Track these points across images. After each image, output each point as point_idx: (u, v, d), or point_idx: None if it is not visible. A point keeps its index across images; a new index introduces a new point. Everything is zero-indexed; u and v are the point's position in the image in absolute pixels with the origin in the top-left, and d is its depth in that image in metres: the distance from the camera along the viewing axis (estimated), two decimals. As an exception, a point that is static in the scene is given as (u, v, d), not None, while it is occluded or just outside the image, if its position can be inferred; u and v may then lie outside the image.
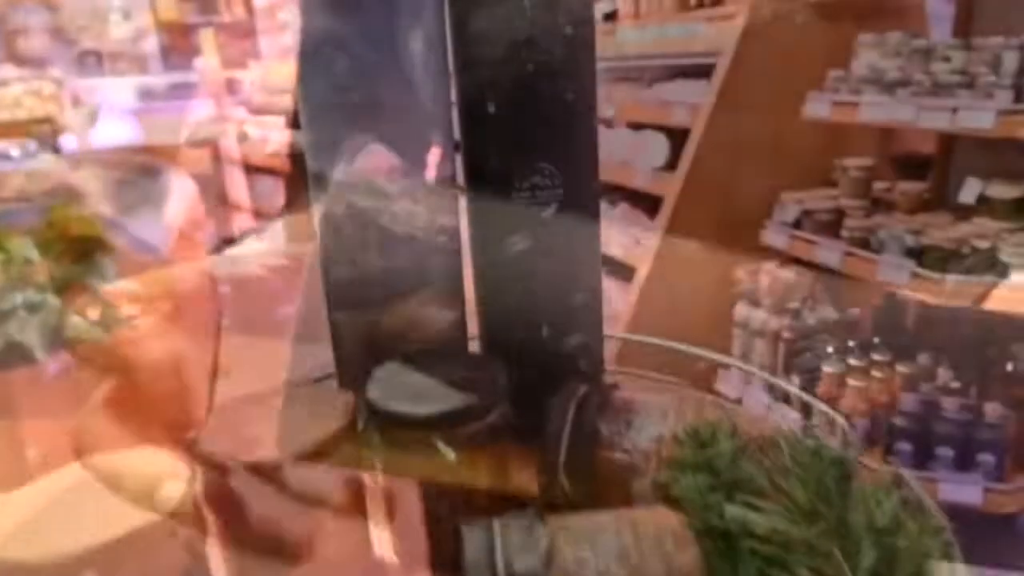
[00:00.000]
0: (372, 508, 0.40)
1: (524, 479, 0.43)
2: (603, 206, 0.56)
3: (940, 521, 0.36)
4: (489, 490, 0.40)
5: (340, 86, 0.46)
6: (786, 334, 1.88)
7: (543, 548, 0.35)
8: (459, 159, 0.53)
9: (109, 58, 6.56)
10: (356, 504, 0.40)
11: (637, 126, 2.44)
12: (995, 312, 1.51)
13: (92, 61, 6.48)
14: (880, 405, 1.65)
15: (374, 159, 0.47)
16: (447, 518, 0.40)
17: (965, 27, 1.82)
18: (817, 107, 1.84)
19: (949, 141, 1.87)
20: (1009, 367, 1.62)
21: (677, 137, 2.18)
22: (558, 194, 0.51)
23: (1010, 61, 1.51)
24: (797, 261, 1.93)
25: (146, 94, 6.05)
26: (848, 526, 0.32)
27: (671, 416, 0.43)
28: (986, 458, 1.53)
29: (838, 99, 1.80)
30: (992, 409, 1.53)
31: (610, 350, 0.59)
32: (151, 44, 6.63)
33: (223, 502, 0.37)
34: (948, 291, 1.53)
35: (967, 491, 1.53)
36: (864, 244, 1.72)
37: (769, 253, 2.00)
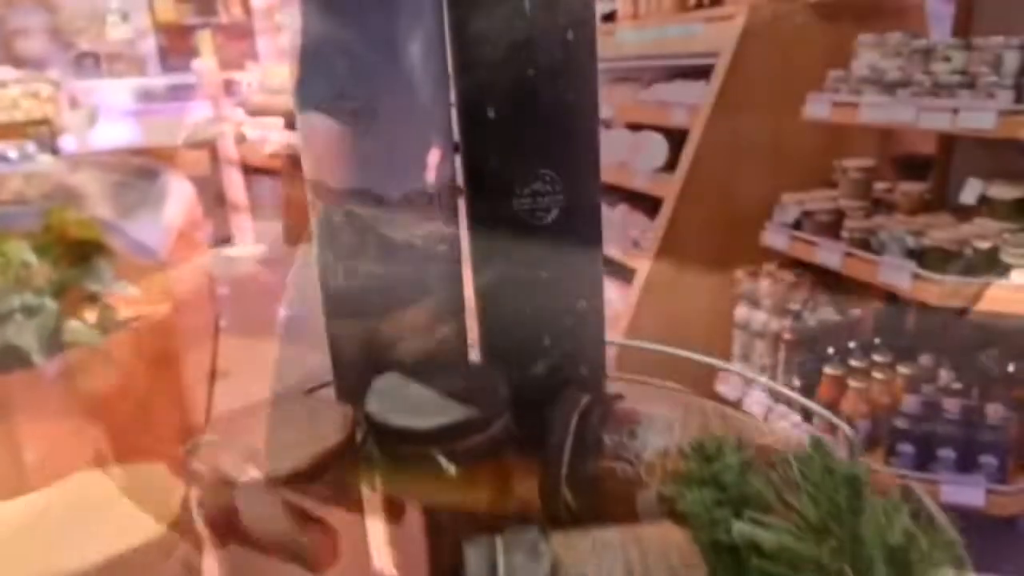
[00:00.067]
0: (371, 524, 0.39)
1: (526, 492, 0.43)
2: (602, 207, 0.55)
3: (952, 535, 0.35)
4: (491, 505, 0.39)
5: (338, 89, 0.45)
6: (787, 335, 1.87)
7: (547, 565, 0.34)
8: (459, 162, 0.52)
9: (107, 59, 6.55)
10: (355, 520, 0.39)
11: (636, 127, 2.44)
12: (997, 313, 1.50)
13: (90, 63, 6.47)
14: (881, 407, 1.65)
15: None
16: (448, 534, 0.39)
17: (965, 27, 1.82)
18: (817, 108, 1.83)
19: (949, 141, 1.87)
20: (1011, 368, 1.61)
21: (676, 138, 2.18)
22: (559, 200, 0.50)
23: (1011, 61, 1.51)
24: (797, 262, 1.93)
25: (144, 96, 6.04)
26: (860, 543, 0.31)
27: (676, 427, 0.43)
28: (988, 460, 1.53)
29: (838, 100, 1.79)
30: (994, 410, 1.53)
31: (609, 353, 0.58)
32: (149, 45, 6.63)
33: (220, 519, 0.36)
34: (949, 292, 1.52)
35: (969, 493, 1.52)
36: (864, 245, 1.72)
37: (769, 254, 2.00)
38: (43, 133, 4.34)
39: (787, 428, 1.64)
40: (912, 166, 2.01)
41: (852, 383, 1.66)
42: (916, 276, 1.57)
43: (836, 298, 1.95)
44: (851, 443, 0.48)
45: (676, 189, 2.06)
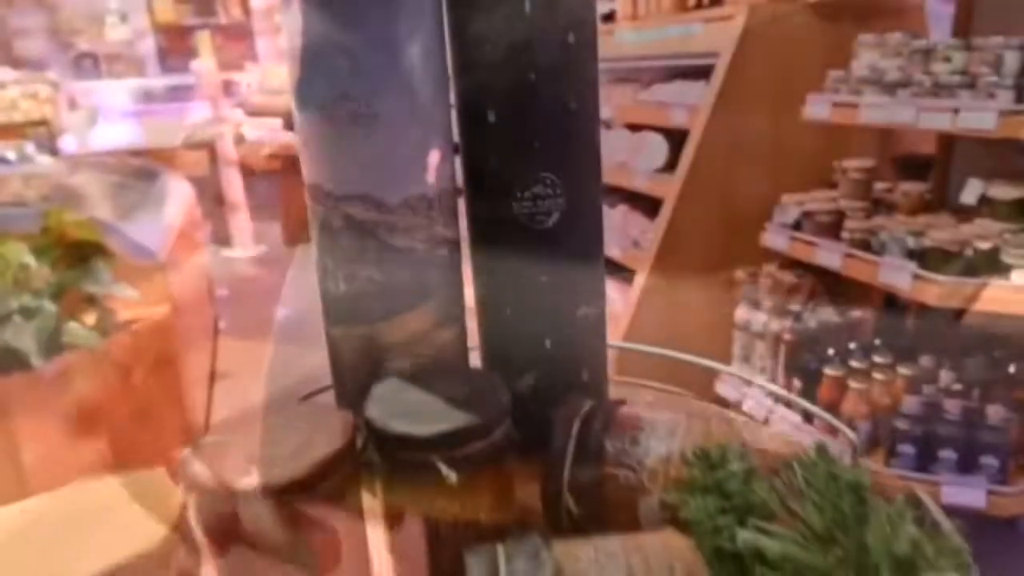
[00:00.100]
0: (372, 531, 0.39)
1: (528, 499, 0.42)
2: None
3: (958, 542, 0.35)
4: (492, 512, 0.39)
5: (339, 91, 0.45)
6: (787, 336, 1.87)
7: (549, 574, 0.34)
8: (459, 165, 0.52)
9: (106, 60, 6.55)
10: (355, 528, 0.39)
11: (636, 127, 2.43)
12: (997, 313, 1.50)
13: (89, 63, 6.47)
14: (882, 408, 1.64)
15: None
16: (449, 542, 0.39)
17: (965, 27, 1.82)
18: (817, 108, 1.83)
19: (950, 142, 1.86)
20: (1011, 369, 1.61)
21: (676, 138, 2.17)
22: (560, 204, 0.49)
23: (1012, 61, 1.50)
24: (797, 263, 1.93)
25: (143, 96, 6.04)
26: (865, 552, 0.30)
27: (678, 433, 0.42)
28: (989, 461, 1.53)
29: (838, 100, 1.79)
30: (995, 411, 1.52)
31: (610, 355, 0.58)
32: (148, 46, 6.62)
33: (219, 527, 0.36)
34: (950, 293, 1.52)
35: (970, 494, 1.52)
36: (865, 246, 1.71)
37: (769, 255, 1.99)
38: (42, 134, 4.33)
39: (791, 433, 1.63)
40: (912, 166, 2.00)
41: (852, 384, 1.65)
42: (916, 277, 1.56)
43: (836, 299, 1.94)
44: (853, 447, 0.48)
45: (676, 190, 2.05)
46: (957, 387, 1.61)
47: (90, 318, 1.50)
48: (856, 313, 1.88)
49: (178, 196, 2.67)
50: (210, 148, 4.24)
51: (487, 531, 0.39)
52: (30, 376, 1.37)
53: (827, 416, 0.65)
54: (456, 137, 0.51)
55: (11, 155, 3.18)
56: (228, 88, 4.96)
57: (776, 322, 1.91)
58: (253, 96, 4.94)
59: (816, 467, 0.33)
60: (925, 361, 1.68)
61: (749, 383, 1.95)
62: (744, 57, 1.96)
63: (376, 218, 0.46)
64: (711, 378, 2.00)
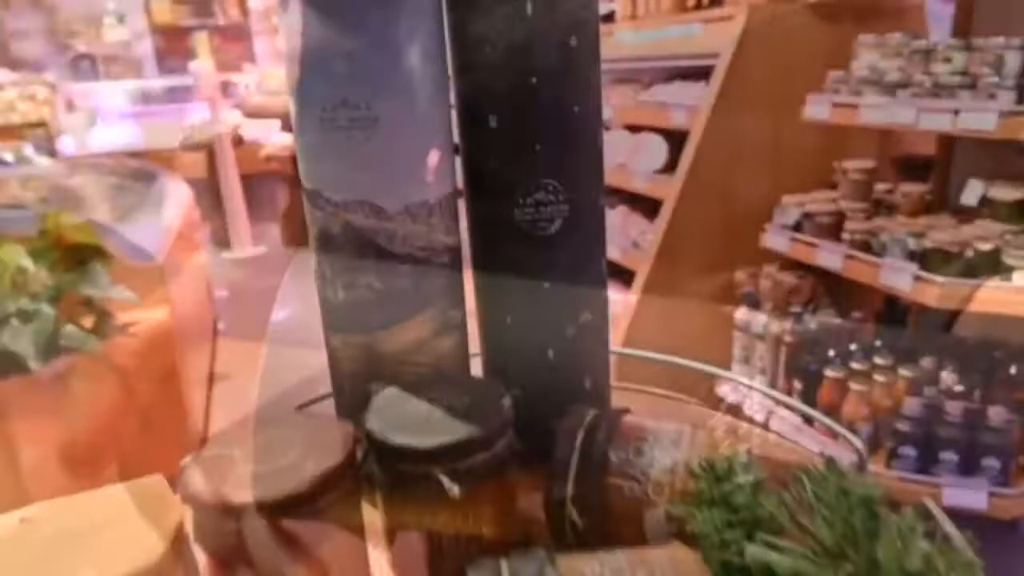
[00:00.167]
0: (372, 546, 0.38)
1: (531, 511, 0.42)
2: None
3: (970, 556, 0.34)
4: (495, 526, 0.38)
5: (339, 96, 0.44)
6: (787, 338, 1.86)
7: (553, 590, 0.33)
8: (460, 170, 0.51)
9: (104, 61, 6.54)
10: (356, 544, 0.38)
11: (635, 128, 2.43)
12: (998, 315, 1.50)
13: (86, 65, 6.46)
14: (883, 409, 1.64)
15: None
16: (451, 557, 0.38)
17: (964, 27, 1.81)
18: (817, 109, 1.83)
19: (950, 142, 1.86)
20: (1013, 370, 1.61)
21: (675, 139, 2.17)
22: (562, 210, 0.49)
23: (1013, 61, 1.50)
24: (798, 264, 1.92)
25: (141, 98, 6.03)
26: (877, 569, 0.30)
27: (683, 443, 0.42)
28: (990, 463, 1.52)
29: (838, 100, 1.78)
30: (996, 413, 1.52)
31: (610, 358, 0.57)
32: (146, 47, 6.61)
33: (217, 545, 0.35)
34: (950, 294, 1.51)
35: (972, 496, 1.51)
36: (865, 247, 1.71)
37: (769, 256, 1.99)
38: (40, 136, 4.33)
39: (792, 435, 1.63)
40: (913, 167, 2.00)
41: (853, 386, 1.65)
42: (917, 278, 1.56)
43: (837, 300, 1.94)
44: (861, 456, 0.47)
45: (676, 190, 2.05)
46: (958, 389, 1.60)
47: (88, 321, 1.49)
48: (857, 315, 1.87)
49: (176, 197, 2.66)
50: (208, 149, 4.24)
51: (490, 545, 0.38)
52: (28, 380, 1.36)
53: (828, 421, 0.64)
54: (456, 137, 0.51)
55: (9, 157, 3.17)
56: (226, 89, 4.96)
57: (776, 323, 1.91)
58: (251, 97, 4.93)
59: (826, 480, 0.32)
60: (926, 363, 1.67)
61: (751, 378, 1.94)
62: (744, 58, 1.95)
63: (376, 225, 0.45)
64: (712, 379, 1.99)
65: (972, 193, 1.71)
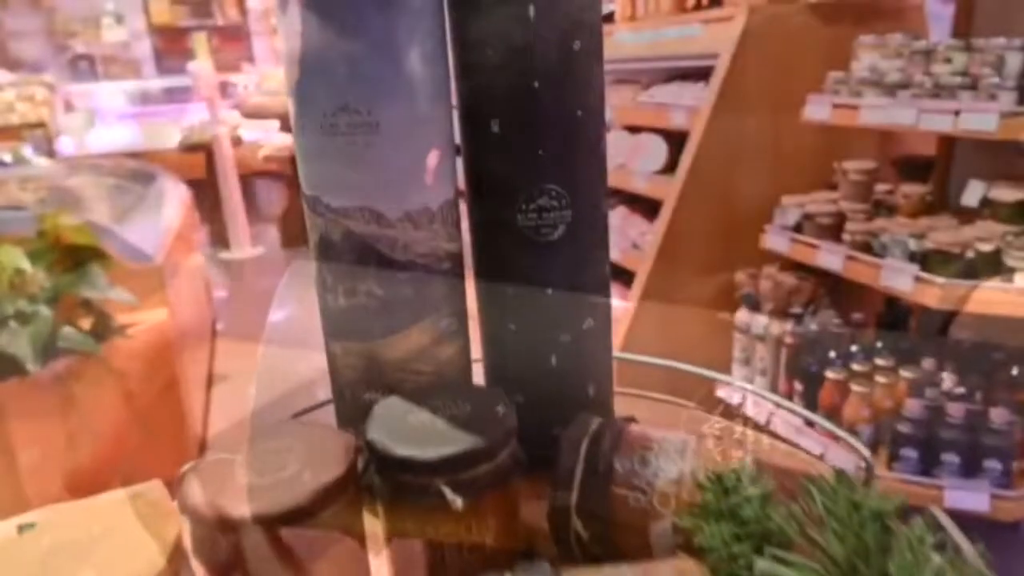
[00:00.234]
0: (374, 559, 0.38)
1: (535, 521, 0.41)
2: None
3: (982, 569, 0.34)
4: (499, 538, 0.38)
5: (340, 101, 0.43)
6: (788, 339, 1.86)
7: (558, 605, 0.32)
8: (460, 170, 0.51)
9: (102, 62, 6.53)
10: (357, 557, 0.38)
11: (635, 129, 2.42)
12: (1000, 316, 1.49)
13: (85, 65, 6.45)
14: (884, 411, 1.63)
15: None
16: (455, 570, 0.38)
17: (965, 27, 1.81)
18: (817, 109, 1.82)
19: (950, 143, 1.86)
20: (1014, 371, 1.60)
21: (675, 140, 2.16)
22: (566, 216, 0.48)
23: (1013, 62, 1.50)
24: (798, 265, 1.92)
25: (139, 98, 6.02)
26: (888, 585, 0.29)
27: (689, 453, 0.41)
28: (992, 464, 1.52)
29: (838, 101, 1.78)
30: (998, 414, 1.51)
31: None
32: (144, 48, 6.60)
33: (216, 558, 0.34)
34: (951, 295, 1.51)
35: (973, 498, 1.51)
36: (866, 248, 1.70)
37: (770, 257, 1.98)
38: (39, 136, 4.32)
39: (794, 437, 1.62)
40: (913, 168, 1.99)
41: (854, 387, 1.64)
42: (918, 279, 1.55)
43: (838, 301, 1.93)
44: (869, 466, 0.47)
45: (676, 191, 2.04)
46: (959, 390, 1.60)
47: (86, 322, 1.48)
48: (857, 316, 1.87)
49: (175, 198, 2.66)
50: (207, 150, 4.23)
51: (494, 558, 0.38)
52: (26, 381, 1.36)
53: (831, 426, 0.64)
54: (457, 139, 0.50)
55: (7, 157, 3.16)
56: (225, 90, 4.95)
57: (777, 325, 1.90)
58: (250, 97, 4.92)
59: (836, 493, 0.32)
60: (927, 364, 1.67)
61: (752, 379, 1.94)
62: (744, 58, 1.95)
63: (377, 232, 0.45)
64: (713, 382, 1.98)
65: (973, 194, 1.71)
